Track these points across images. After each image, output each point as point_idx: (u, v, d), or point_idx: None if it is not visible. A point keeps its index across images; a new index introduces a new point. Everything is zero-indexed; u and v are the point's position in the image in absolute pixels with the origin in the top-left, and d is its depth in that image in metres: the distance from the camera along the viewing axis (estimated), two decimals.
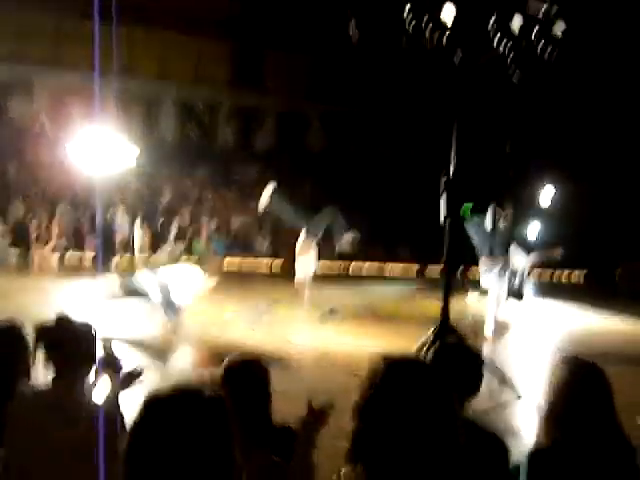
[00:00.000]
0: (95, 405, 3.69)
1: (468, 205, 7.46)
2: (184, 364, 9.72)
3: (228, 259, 23.06)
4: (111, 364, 4.05)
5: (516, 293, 15.17)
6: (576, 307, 16.98)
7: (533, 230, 23.56)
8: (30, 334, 3.90)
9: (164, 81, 30.02)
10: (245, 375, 3.75)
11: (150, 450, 2.16)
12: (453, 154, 7.55)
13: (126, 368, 4.11)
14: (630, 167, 26.66)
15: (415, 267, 24.41)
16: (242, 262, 22.88)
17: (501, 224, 12.61)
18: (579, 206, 24.99)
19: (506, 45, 7.19)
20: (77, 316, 3.92)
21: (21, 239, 21.38)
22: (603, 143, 27.25)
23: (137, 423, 2.21)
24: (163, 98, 30.59)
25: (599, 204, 25.93)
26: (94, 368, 3.87)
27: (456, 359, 3.99)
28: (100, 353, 3.96)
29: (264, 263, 23.33)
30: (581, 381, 3.59)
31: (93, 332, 3.89)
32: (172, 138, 30.85)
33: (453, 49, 7.16)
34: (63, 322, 3.85)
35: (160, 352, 10.12)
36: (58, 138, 23.38)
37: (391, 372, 2.38)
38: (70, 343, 3.76)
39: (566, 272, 25.41)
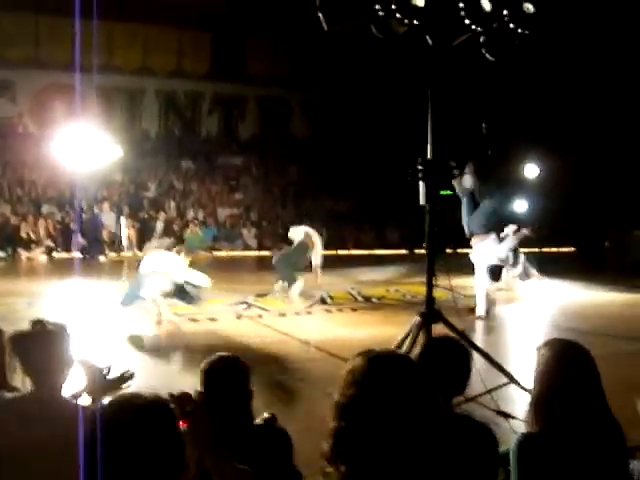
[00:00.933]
0: (76, 406, 3.65)
1: (446, 193, 7.42)
2: (174, 363, 9.66)
3: (216, 252, 23.07)
4: (90, 367, 4.02)
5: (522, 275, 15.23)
6: (566, 282, 16.97)
7: (520, 208, 23.58)
8: (6, 343, 3.85)
9: (145, 74, 29.97)
10: (224, 375, 3.74)
11: (103, 455, 2.17)
12: (429, 138, 7.50)
13: (116, 371, 4.09)
14: (611, 139, 26.68)
15: (403, 251, 24.39)
16: (230, 254, 22.85)
17: (487, 201, 12.61)
18: (563, 181, 25.02)
19: (477, 26, 7.13)
20: (52, 318, 3.88)
21: (8, 240, 21.29)
22: (583, 116, 27.25)
23: (92, 430, 2.21)
24: (145, 91, 30.50)
25: (583, 177, 25.95)
26: (71, 370, 3.83)
27: (443, 356, 3.96)
28: (78, 355, 3.93)
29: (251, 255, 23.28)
30: (565, 363, 3.55)
31: (67, 334, 3.84)
32: (155, 131, 30.79)
33: (424, 33, 7.10)
34: (37, 328, 3.80)
35: (152, 350, 10.08)
36: (42, 137, 23.32)
37: (373, 369, 2.33)
38: (45, 349, 3.72)
39: (555, 247, 25.47)
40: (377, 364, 2.33)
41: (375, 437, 2.23)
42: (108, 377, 4.07)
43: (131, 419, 2.22)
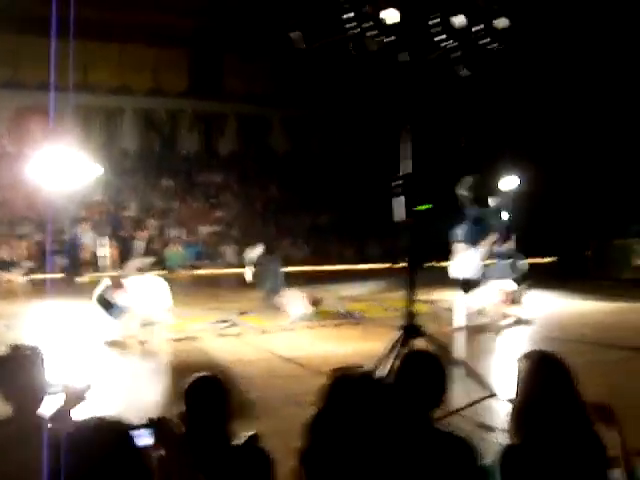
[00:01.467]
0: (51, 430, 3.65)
1: (426, 207, 7.45)
2: (150, 381, 9.61)
3: (197, 270, 23.01)
4: (69, 389, 4.02)
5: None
6: (549, 292, 17.05)
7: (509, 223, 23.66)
8: None
9: (123, 93, 29.95)
10: (205, 395, 3.73)
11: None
12: (408, 153, 7.54)
13: (75, 385, 4.09)
14: (591, 149, 26.84)
15: (385, 265, 24.38)
16: (211, 272, 22.78)
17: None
18: (545, 191, 25.12)
19: (451, 42, 7.19)
20: (30, 341, 3.88)
21: None
22: (563, 127, 27.43)
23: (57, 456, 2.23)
24: (123, 110, 30.46)
25: (564, 188, 26.09)
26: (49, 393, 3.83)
27: (419, 370, 3.97)
28: (56, 377, 3.93)
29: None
30: (541, 374, 3.59)
31: (43, 357, 3.85)
32: (135, 150, 30.73)
33: (398, 50, 7.15)
34: (14, 353, 3.81)
35: (134, 370, 10.04)
36: (20, 157, 23.23)
37: (337, 389, 2.35)
38: (23, 373, 3.72)
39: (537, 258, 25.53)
40: (339, 385, 2.35)
41: (338, 455, 2.25)
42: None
43: (93, 447, 2.22)
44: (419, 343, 7.61)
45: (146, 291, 11.59)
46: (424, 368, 3.99)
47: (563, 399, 3.53)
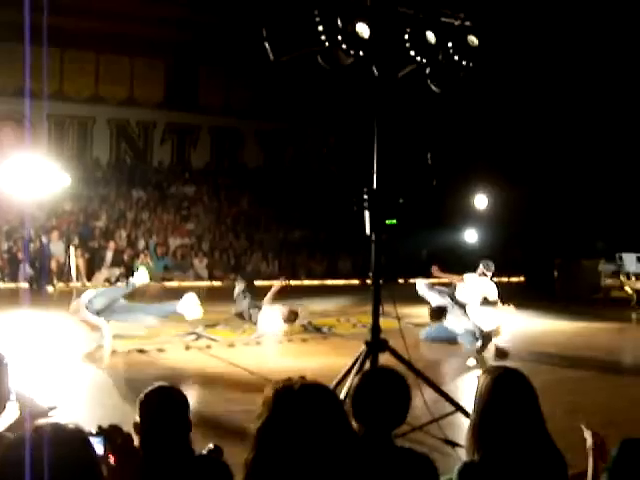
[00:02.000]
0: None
1: (391, 222, 7.45)
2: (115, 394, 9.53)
3: (167, 282, 22.90)
4: (24, 399, 3.98)
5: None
6: (516, 311, 17.13)
7: (469, 238, 23.77)
8: None
9: (97, 103, 29.86)
10: (159, 405, 3.69)
11: None
12: (375, 168, 7.55)
13: (40, 402, 4.04)
14: (559, 168, 27.04)
15: (355, 281, 24.39)
16: (181, 284, 22.67)
17: None
18: (512, 211, 25.27)
19: (422, 58, 7.22)
20: None
21: None
22: (531, 146, 27.63)
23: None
24: (96, 120, 30.33)
25: (531, 207, 26.24)
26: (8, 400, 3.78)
27: (380, 386, 3.95)
28: (15, 387, 3.88)
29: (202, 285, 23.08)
30: (500, 389, 3.57)
31: (6, 365, 3.80)
32: (107, 160, 30.60)
33: (370, 63, 7.17)
34: None
35: (97, 381, 9.96)
36: None
37: (277, 400, 2.33)
38: None
39: (505, 277, 25.63)
40: (281, 396, 2.33)
41: (280, 467, 2.22)
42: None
43: (49, 451, 2.18)
44: (384, 359, 7.60)
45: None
46: (385, 384, 3.97)
47: (523, 414, 3.51)
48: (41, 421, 2.38)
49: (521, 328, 15.55)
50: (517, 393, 3.57)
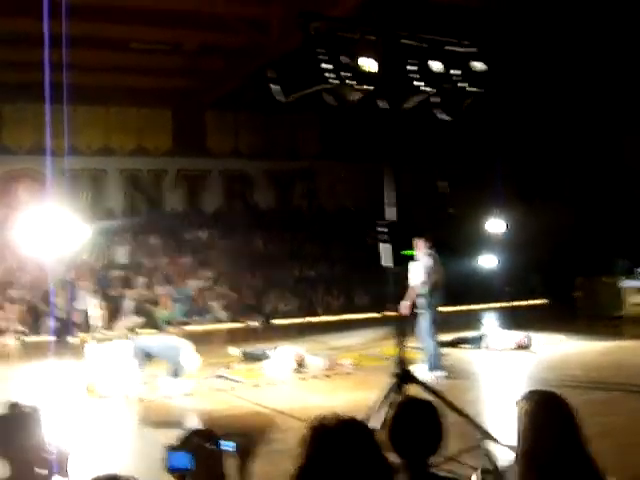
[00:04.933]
0: None
1: (409, 253, 7.47)
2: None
3: (187, 327, 22.88)
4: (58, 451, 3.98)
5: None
6: (539, 334, 17.01)
7: (487, 263, 23.67)
8: None
9: (107, 154, 30.09)
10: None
11: None
12: (392, 200, 7.57)
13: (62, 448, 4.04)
14: (574, 188, 27.01)
15: (373, 314, 24.29)
16: (201, 328, 22.65)
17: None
18: (530, 233, 25.16)
19: (429, 87, 7.27)
20: (25, 401, 3.85)
21: None
22: (547, 165, 27.62)
23: None
24: (108, 171, 30.52)
25: (549, 228, 26.12)
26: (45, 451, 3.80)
27: (414, 417, 3.95)
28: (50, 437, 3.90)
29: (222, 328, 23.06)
30: (547, 415, 3.53)
31: (40, 416, 3.83)
32: (120, 210, 30.73)
33: (377, 97, 7.22)
34: (13, 411, 3.78)
35: (128, 428, 9.95)
36: (7, 221, 23.25)
37: (317, 440, 2.32)
38: (22, 432, 3.70)
39: (527, 301, 25.50)
40: (319, 434, 2.33)
41: None
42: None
43: None
44: (412, 390, 7.58)
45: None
46: (418, 416, 3.97)
47: (569, 439, 3.48)
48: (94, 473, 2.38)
49: (545, 350, 15.49)
50: (563, 417, 3.54)
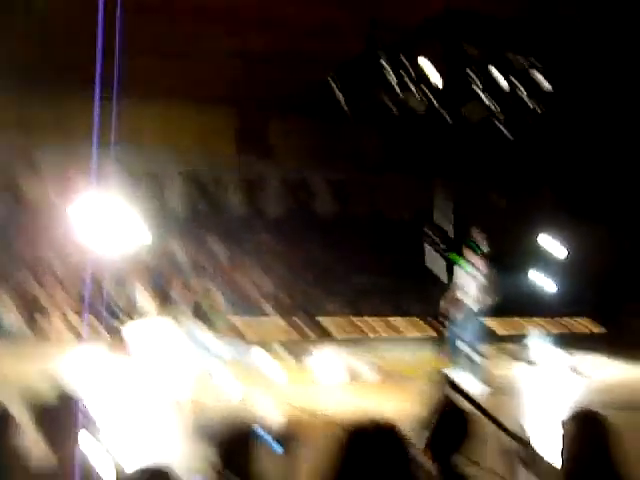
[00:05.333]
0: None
1: (457, 258, 7.56)
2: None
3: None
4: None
5: None
6: (587, 354, 16.85)
7: (541, 280, 23.37)
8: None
9: (168, 153, 30.28)
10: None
11: None
12: (450, 216, 7.67)
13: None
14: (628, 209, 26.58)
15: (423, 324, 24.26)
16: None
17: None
18: (585, 251, 24.82)
19: (496, 103, 7.34)
20: (66, 387, 3.97)
21: (30, 309, 21.55)
22: (601, 187, 27.21)
23: None
24: (168, 172, 30.75)
25: (603, 248, 25.76)
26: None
27: (458, 430, 4.04)
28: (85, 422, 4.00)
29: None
30: (592, 435, 3.58)
31: (79, 404, 3.93)
32: (180, 212, 30.95)
33: (443, 112, 7.32)
34: (61, 400, 3.89)
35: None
36: (66, 215, 23.59)
37: (351, 444, 2.39)
38: (64, 420, 3.80)
39: (576, 320, 25.13)
40: (356, 438, 2.40)
41: None
42: None
43: None
44: (459, 402, 7.62)
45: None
46: (459, 426, 4.06)
47: (613, 461, 3.52)
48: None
49: (592, 371, 15.35)
50: (606, 439, 3.58)
